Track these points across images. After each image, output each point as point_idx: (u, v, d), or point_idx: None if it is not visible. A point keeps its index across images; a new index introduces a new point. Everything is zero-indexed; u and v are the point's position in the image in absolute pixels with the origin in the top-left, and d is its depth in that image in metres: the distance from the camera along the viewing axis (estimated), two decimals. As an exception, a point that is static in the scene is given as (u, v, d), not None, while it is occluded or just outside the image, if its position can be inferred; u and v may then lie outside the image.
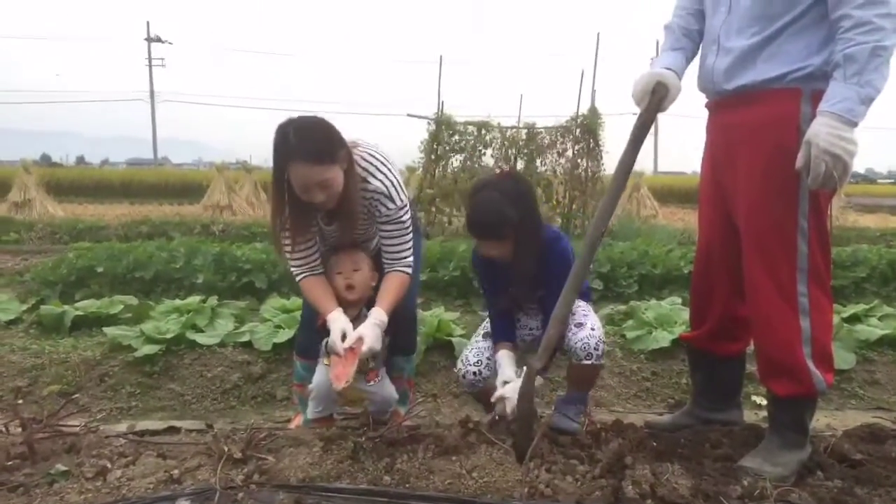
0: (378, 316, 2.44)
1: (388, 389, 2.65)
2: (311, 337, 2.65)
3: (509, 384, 2.39)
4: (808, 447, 2.28)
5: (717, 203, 2.42)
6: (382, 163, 2.46)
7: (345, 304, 2.52)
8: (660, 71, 2.29)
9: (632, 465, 2.09)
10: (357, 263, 2.59)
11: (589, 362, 2.43)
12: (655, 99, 2.26)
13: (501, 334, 2.61)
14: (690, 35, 2.42)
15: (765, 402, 2.63)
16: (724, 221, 2.39)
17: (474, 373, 2.60)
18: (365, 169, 2.43)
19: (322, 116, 2.34)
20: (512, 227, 2.38)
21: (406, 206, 2.51)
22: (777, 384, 2.26)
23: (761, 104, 2.17)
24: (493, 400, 2.42)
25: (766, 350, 2.28)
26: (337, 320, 2.42)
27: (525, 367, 2.32)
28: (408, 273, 2.56)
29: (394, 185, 2.45)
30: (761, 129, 2.17)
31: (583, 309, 2.55)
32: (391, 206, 2.45)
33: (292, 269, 2.55)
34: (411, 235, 2.56)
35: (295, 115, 2.34)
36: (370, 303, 2.55)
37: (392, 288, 2.51)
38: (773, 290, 2.19)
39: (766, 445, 2.28)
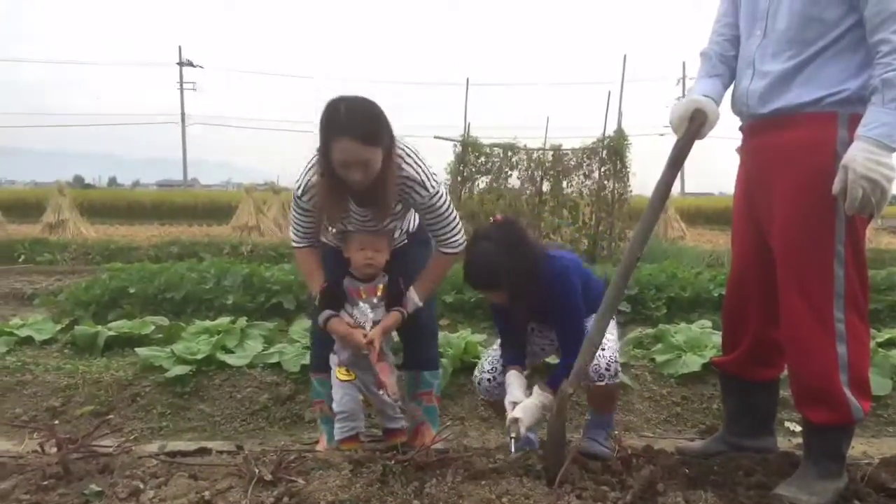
0: (412, 297, 2.70)
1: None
2: (324, 353, 2.75)
3: (519, 405, 2.42)
4: (844, 476, 2.23)
5: (751, 226, 2.40)
6: (414, 153, 2.57)
7: (360, 274, 2.68)
8: (697, 98, 2.29)
9: (664, 492, 2.07)
10: (379, 246, 2.67)
11: (602, 383, 2.45)
12: (694, 126, 2.25)
13: (511, 358, 2.63)
14: (727, 61, 2.41)
15: (799, 429, 2.59)
16: (759, 245, 2.36)
17: (489, 379, 2.68)
18: (398, 156, 2.50)
19: (372, 99, 2.40)
20: (507, 276, 2.35)
21: (438, 192, 2.60)
22: (813, 412, 2.22)
23: (797, 128, 2.15)
24: (507, 424, 2.43)
25: (801, 376, 2.24)
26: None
27: (535, 387, 2.44)
28: (451, 253, 2.69)
29: (425, 174, 2.55)
30: (797, 153, 2.15)
31: None
32: (424, 193, 2.55)
33: (296, 234, 2.68)
34: (453, 217, 2.66)
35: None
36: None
37: (432, 271, 2.76)
38: (809, 315, 2.16)
39: (801, 474, 2.24)
